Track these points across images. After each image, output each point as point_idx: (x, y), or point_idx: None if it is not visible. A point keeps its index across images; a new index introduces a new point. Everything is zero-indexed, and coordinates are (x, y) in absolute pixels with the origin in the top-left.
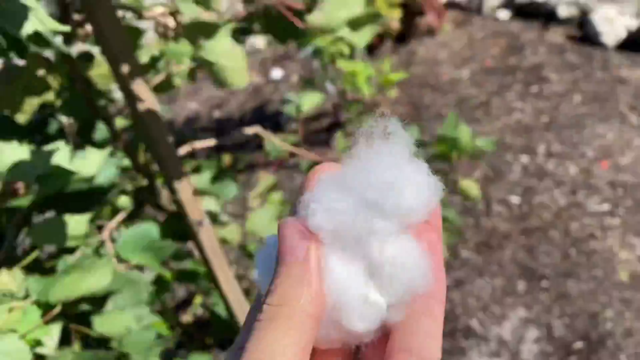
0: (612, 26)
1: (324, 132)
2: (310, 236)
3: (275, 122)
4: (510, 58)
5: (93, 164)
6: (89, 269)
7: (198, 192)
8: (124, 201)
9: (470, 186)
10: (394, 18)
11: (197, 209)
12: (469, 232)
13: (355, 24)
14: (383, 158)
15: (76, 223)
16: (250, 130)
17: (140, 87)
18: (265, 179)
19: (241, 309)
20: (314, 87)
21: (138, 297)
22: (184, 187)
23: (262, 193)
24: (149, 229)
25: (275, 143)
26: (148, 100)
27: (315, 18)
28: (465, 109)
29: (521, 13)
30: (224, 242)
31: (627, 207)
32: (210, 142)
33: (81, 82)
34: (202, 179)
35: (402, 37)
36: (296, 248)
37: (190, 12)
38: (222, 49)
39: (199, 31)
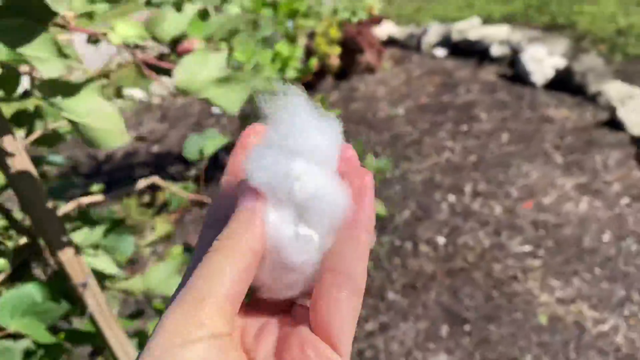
0: (540, 66)
1: None
2: (257, 190)
3: (214, 157)
4: (444, 96)
5: None
6: None
7: (80, 251)
8: (1, 263)
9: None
10: (333, 54)
11: (80, 270)
12: (396, 273)
13: (222, 86)
14: (289, 113)
15: None
16: (145, 181)
17: (10, 144)
18: (161, 226)
19: None
20: (251, 123)
21: None
22: (64, 248)
23: (154, 242)
24: (29, 291)
25: (175, 191)
26: (19, 159)
27: (179, 80)
28: (399, 147)
29: (457, 51)
30: (128, 293)
31: (548, 248)
32: (99, 197)
33: None
34: (95, 233)
35: (344, 73)
36: (246, 199)
37: (48, 71)
38: (88, 108)
39: (55, 90)
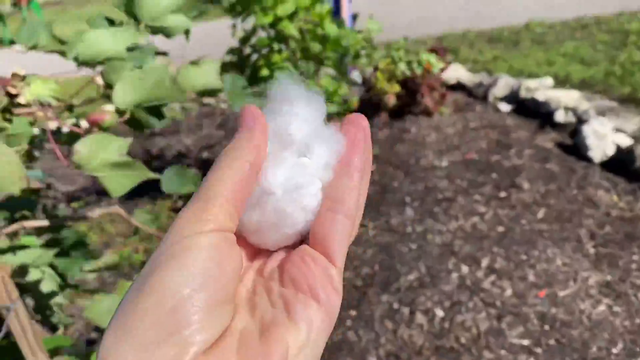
0: (602, 141)
1: None
2: (258, 115)
3: None
4: (494, 155)
5: None
6: None
7: (13, 274)
8: None
9: None
10: (391, 92)
11: (6, 294)
12: (385, 338)
13: (116, 170)
14: (284, 90)
15: None
16: (103, 210)
17: None
18: (109, 256)
19: None
20: None
21: None
22: None
23: (98, 269)
24: None
25: (135, 223)
26: None
27: (77, 155)
28: (428, 202)
29: (522, 109)
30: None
31: (547, 347)
32: (44, 222)
33: None
34: (47, 254)
35: (400, 111)
36: (248, 120)
37: None
38: None
39: None
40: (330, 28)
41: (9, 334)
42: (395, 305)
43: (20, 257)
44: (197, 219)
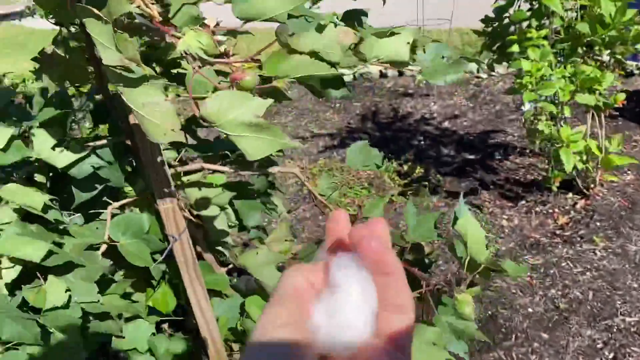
0: None
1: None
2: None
3: (485, 157)
4: None
5: (67, 159)
6: (25, 240)
7: (182, 209)
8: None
9: (465, 300)
10: None
11: (174, 223)
12: None
13: (253, 132)
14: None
15: None
16: (280, 168)
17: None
18: (282, 226)
19: (207, 327)
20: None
21: (89, 275)
22: (164, 202)
23: (277, 238)
24: (140, 218)
25: (309, 187)
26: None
27: (205, 109)
28: None
29: None
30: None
31: None
32: (224, 168)
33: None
34: (224, 195)
35: None
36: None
37: (105, 59)
38: (145, 101)
39: (118, 78)
40: (608, 7)
41: (173, 259)
42: (599, 345)
43: (203, 193)
44: (275, 322)
